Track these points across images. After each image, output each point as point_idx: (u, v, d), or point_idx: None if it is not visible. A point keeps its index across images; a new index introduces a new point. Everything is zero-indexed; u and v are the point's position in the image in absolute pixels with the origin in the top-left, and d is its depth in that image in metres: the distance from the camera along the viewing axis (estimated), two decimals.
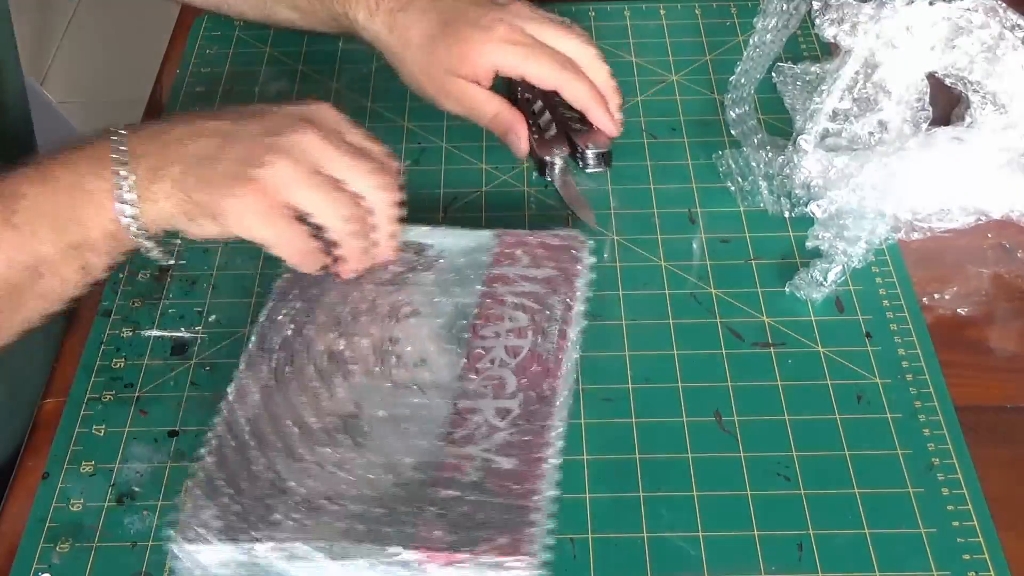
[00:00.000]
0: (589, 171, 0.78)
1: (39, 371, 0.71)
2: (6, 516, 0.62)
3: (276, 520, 0.55)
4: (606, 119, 0.74)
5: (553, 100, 0.78)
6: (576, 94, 0.73)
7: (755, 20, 0.83)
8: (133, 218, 0.57)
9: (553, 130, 0.78)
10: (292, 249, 0.59)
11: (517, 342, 0.64)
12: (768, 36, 0.83)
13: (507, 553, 0.54)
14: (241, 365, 0.62)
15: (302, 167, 0.57)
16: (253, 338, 0.64)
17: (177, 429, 0.65)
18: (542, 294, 0.66)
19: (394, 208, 0.61)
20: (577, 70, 0.73)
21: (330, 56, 0.90)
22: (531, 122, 0.78)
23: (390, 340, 0.64)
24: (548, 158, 0.77)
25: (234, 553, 0.54)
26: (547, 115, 0.79)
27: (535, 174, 0.79)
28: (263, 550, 0.54)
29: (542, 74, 0.72)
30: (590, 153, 0.77)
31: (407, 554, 0.54)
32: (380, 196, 0.60)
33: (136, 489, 0.62)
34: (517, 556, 0.54)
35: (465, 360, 0.63)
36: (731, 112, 0.81)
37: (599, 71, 0.74)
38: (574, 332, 0.65)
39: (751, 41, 0.83)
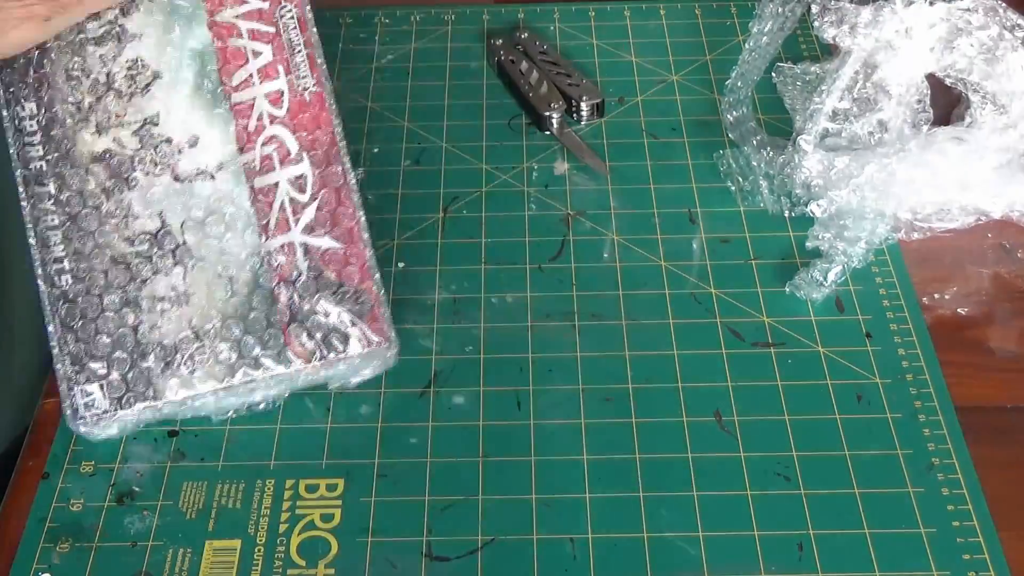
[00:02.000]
0: (584, 123, 0.82)
1: (39, 371, 0.71)
2: (6, 516, 0.62)
3: (151, 377, 0.56)
4: None
5: (537, 60, 0.85)
6: None
7: (750, 24, 0.83)
8: None
9: (545, 87, 0.82)
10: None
11: (272, 86, 0.60)
12: (764, 39, 0.83)
13: (371, 343, 0.57)
14: (24, 206, 0.57)
15: None
16: (14, 162, 0.58)
17: (177, 429, 0.65)
18: (268, 10, 0.61)
19: None
20: None
21: (330, 56, 0.89)
22: (521, 82, 0.83)
23: (151, 122, 0.59)
24: (546, 112, 0.81)
25: (131, 416, 0.56)
26: (535, 74, 0.83)
27: (535, 173, 0.79)
28: (151, 411, 0.56)
29: None
30: (584, 105, 0.82)
31: (281, 369, 0.55)
32: None
33: (136, 489, 0.62)
34: (380, 343, 0.57)
35: (234, 124, 0.59)
36: (728, 116, 0.81)
37: None
38: (319, 55, 0.61)
39: (747, 45, 0.83)
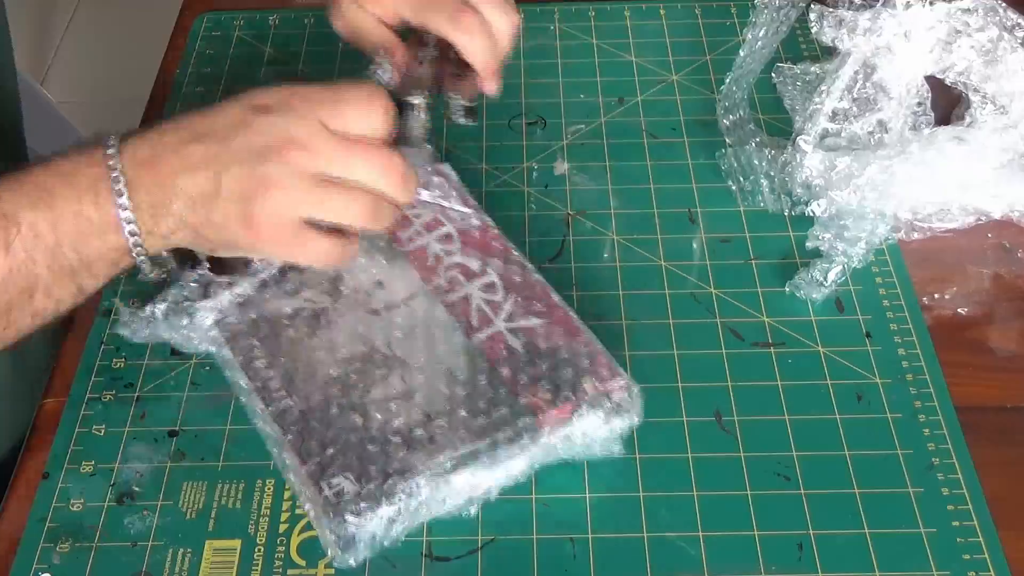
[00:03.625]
0: (456, 119, 0.70)
1: (39, 371, 0.71)
2: (6, 516, 0.62)
3: (398, 467, 0.57)
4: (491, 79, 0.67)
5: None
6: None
7: (744, 31, 0.82)
8: (139, 247, 0.57)
9: (424, 70, 0.69)
10: (317, 258, 0.59)
11: (439, 232, 0.69)
12: (758, 44, 0.83)
13: (605, 381, 0.60)
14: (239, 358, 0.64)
15: (299, 190, 0.57)
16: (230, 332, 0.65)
17: (177, 429, 0.65)
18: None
19: (401, 182, 0.59)
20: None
21: (330, 56, 0.90)
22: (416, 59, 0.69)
23: (337, 277, 0.67)
24: (408, 98, 0.66)
25: (386, 514, 0.57)
26: (431, 48, 0.69)
27: (535, 173, 0.79)
28: (406, 499, 0.57)
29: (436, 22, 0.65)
30: (452, 103, 0.70)
31: (527, 420, 0.59)
32: (384, 179, 0.59)
33: (136, 489, 0.62)
34: (613, 380, 0.60)
35: (411, 264, 0.68)
36: (724, 120, 0.81)
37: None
38: (469, 196, 0.71)
39: (741, 51, 0.82)
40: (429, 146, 0.74)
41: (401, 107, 0.66)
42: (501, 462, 0.58)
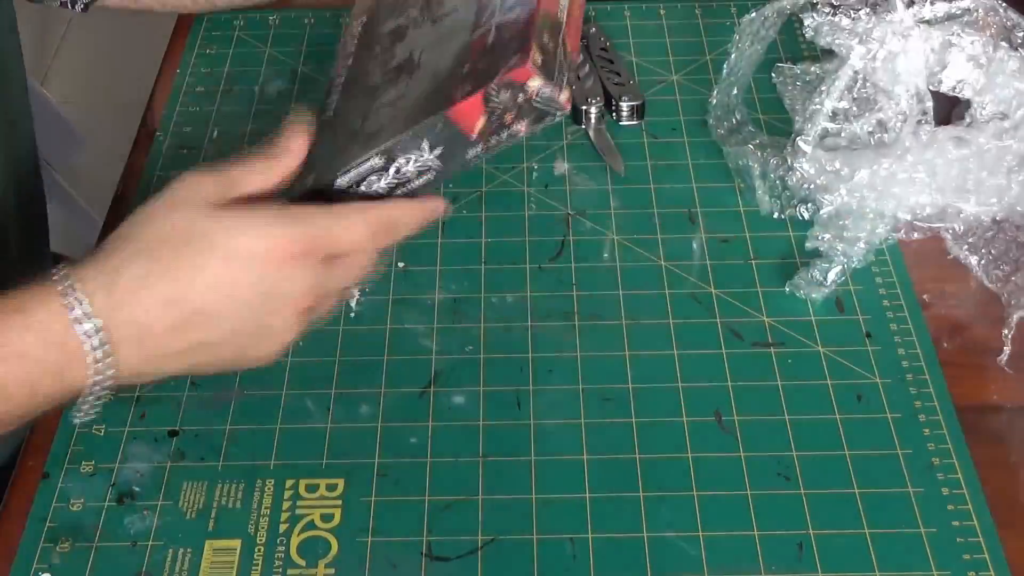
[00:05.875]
0: (623, 123, 0.83)
1: None
2: (6, 516, 0.62)
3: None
4: None
5: (593, 55, 0.86)
6: None
7: (728, 46, 0.81)
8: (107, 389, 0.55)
9: (590, 82, 0.83)
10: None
11: None
12: (746, 54, 0.82)
13: (514, 69, 0.52)
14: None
15: (299, 326, 0.56)
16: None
17: (177, 429, 0.65)
18: None
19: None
20: None
21: (330, 56, 0.89)
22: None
23: None
24: (583, 106, 0.81)
25: None
26: (587, 67, 0.84)
27: (535, 173, 0.79)
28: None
29: None
30: (624, 105, 0.82)
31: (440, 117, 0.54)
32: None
33: (136, 489, 0.62)
34: (520, 68, 0.52)
35: None
36: (718, 129, 0.80)
37: None
38: None
39: (726, 66, 0.81)
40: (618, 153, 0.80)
41: (578, 117, 0.82)
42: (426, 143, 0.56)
